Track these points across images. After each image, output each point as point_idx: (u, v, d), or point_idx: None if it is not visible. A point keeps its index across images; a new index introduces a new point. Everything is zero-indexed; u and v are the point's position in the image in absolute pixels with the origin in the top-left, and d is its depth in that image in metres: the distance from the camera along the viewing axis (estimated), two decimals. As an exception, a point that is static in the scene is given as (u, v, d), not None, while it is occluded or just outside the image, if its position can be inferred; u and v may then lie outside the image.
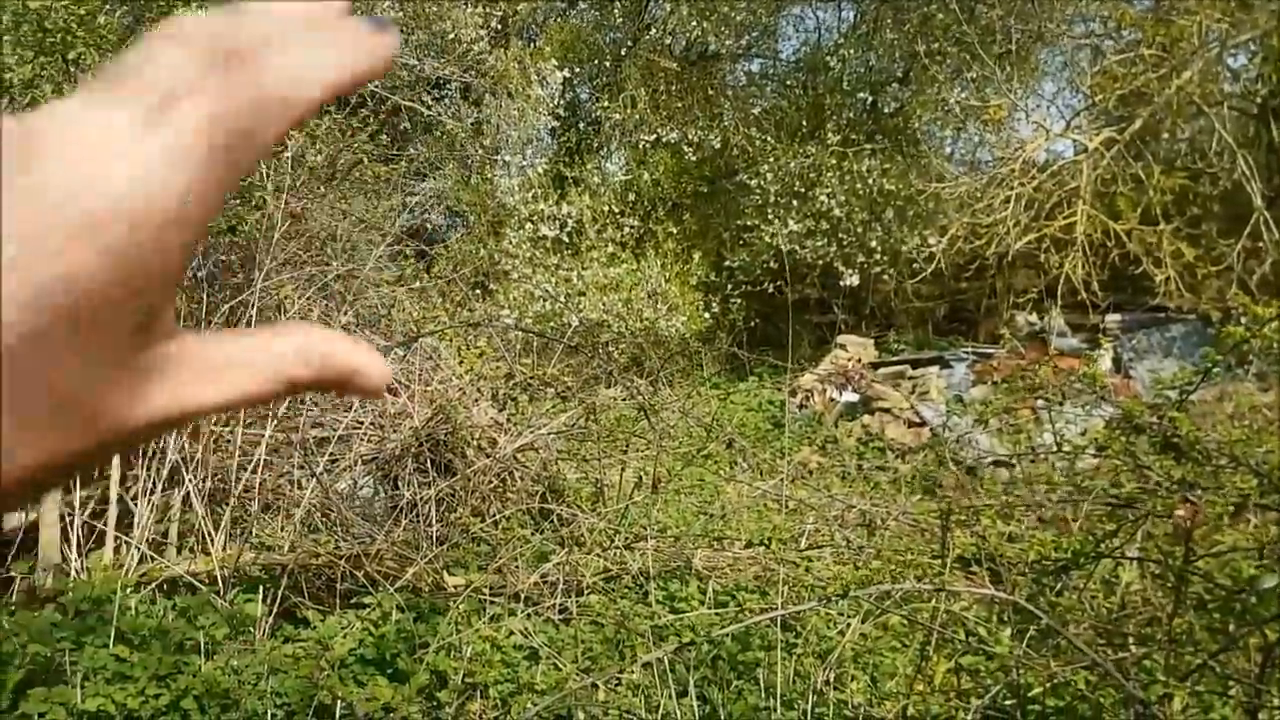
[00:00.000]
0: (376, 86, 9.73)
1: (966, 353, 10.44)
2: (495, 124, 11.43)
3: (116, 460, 4.61)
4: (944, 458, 5.45)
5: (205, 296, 5.04)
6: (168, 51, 0.28)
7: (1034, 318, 11.21)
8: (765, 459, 6.04)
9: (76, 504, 4.47)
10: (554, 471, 4.89)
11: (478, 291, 10.02)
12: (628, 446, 5.03)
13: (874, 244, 11.46)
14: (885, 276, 11.81)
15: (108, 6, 4.20)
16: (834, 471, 6.59)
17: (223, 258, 5.42)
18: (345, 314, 5.50)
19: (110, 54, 4.02)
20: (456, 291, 8.54)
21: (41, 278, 0.25)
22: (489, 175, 11.44)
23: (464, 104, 11.77)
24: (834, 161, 11.30)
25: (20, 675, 3.33)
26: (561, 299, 9.73)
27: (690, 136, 11.69)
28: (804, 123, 12.24)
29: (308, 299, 5.32)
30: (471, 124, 11.44)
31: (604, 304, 9.91)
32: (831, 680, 3.43)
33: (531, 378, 5.24)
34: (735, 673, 3.61)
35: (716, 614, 4.08)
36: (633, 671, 3.15)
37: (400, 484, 5.32)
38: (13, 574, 4.40)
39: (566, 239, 10.62)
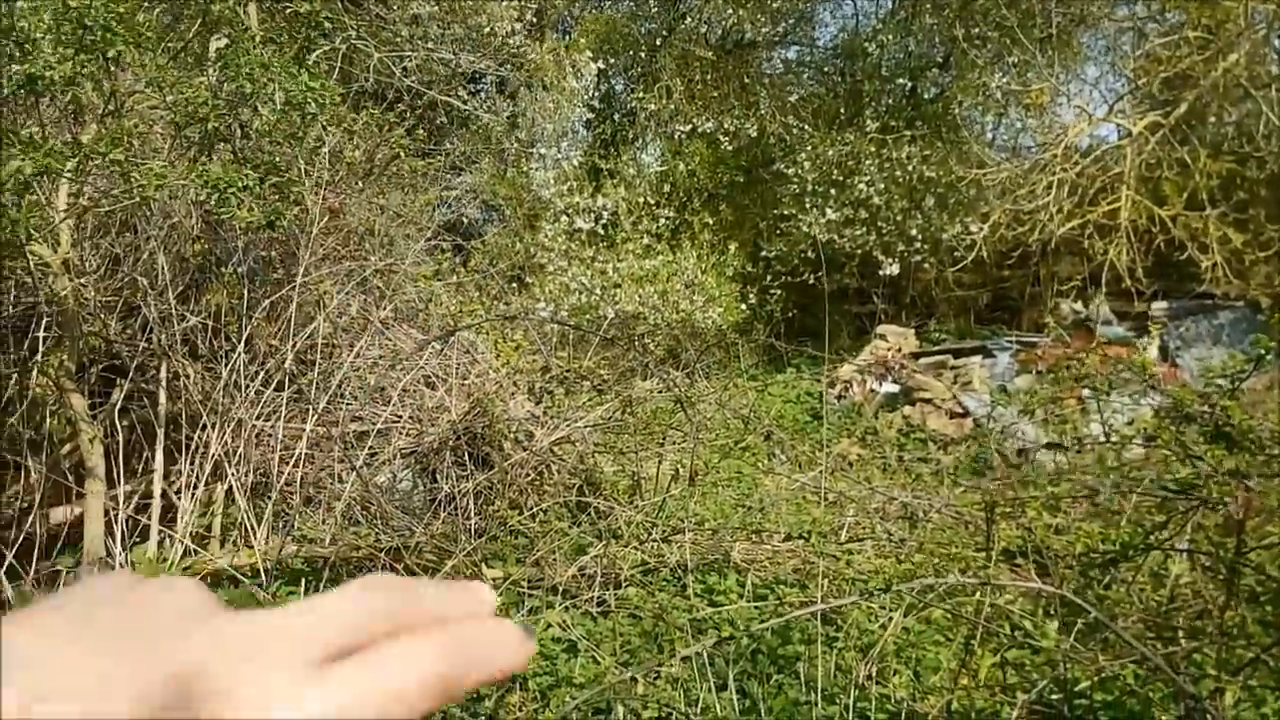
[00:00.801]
0: (413, 81, 9.79)
1: (1010, 342, 10.28)
2: (530, 117, 11.43)
3: (160, 455, 4.67)
4: (989, 449, 5.37)
5: (246, 292, 5.08)
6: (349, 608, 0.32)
7: (1078, 305, 11.03)
8: (804, 451, 5.99)
9: (121, 498, 4.53)
10: (591, 464, 4.88)
11: (514, 285, 10.04)
12: (664, 439, 5.00)
13: (914, 232, 11.32)
14: (926, 265, 11.67)
15: (146, 4, 4.24)
16: (874, 463, 6.52)
17: (263, 254, 5.46)
18: (384, 309, 5.52)
19: (149, 51, 4.06)
20: (493, 285, 8.56)
21: None
22: (524, 169, 11.44)
23: (499, 98, 11.79)
24: (873, 149, 11.18)
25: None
26: (597, 292, 9.72)
27: (726, 126, 11.61)
28: (842, 110, 12.13)
29: (347, 294, 5.35)
30: (507, 118, 11.45)
31: (640, 296, 9.89)
32: (873, 674, 3.39)
33: (568, 371, 5.23)
34: (775, 666, 3.58)
35: (755, 607, 4.05)
36: (672, 665, 3.13)
37: (438, 477, 5.35)
38: (58, 567, 4.47)
39: (602, 231, 10.60)
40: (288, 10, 5.27)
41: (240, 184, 3.71)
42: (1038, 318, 11.85)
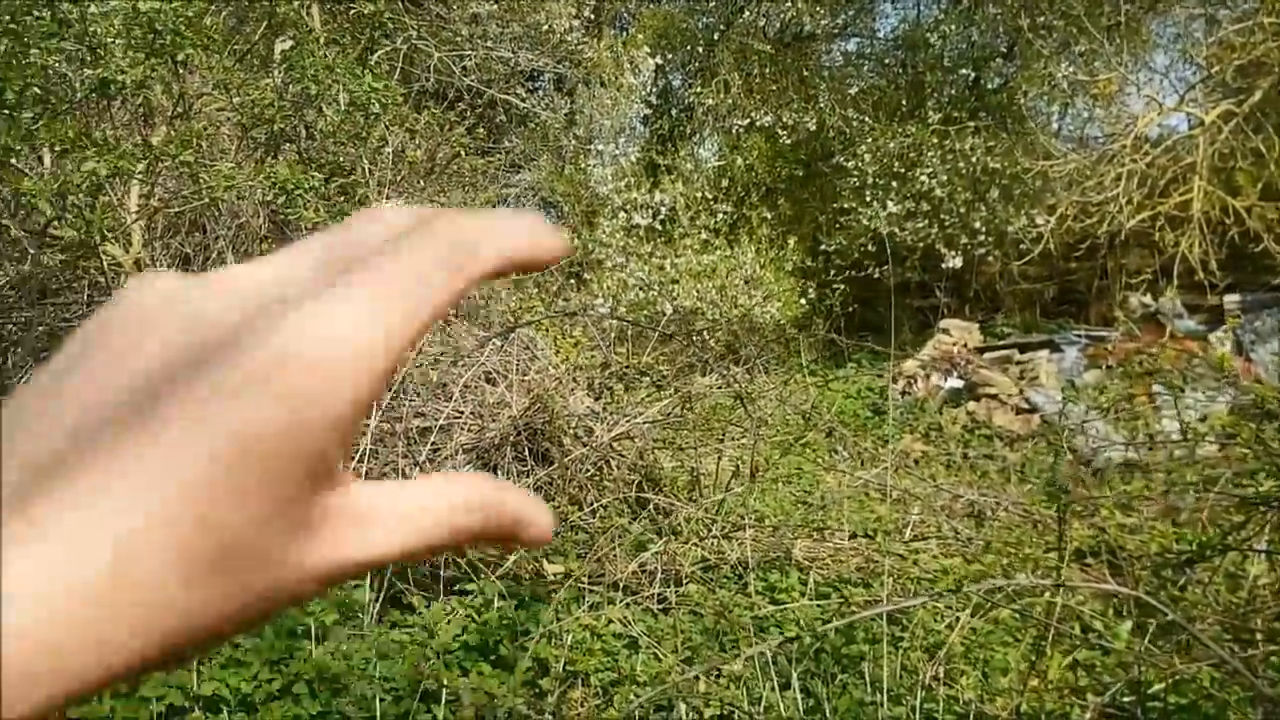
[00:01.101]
0: (473, 80, 9.87)
1: (1078, 336, 10.05)
2: (588, 114, 11.46)
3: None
4: (1059, 446, 5.25)
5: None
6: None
7: (1147, 299, 10.75)
8: (866, 447, 5.91)
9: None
10: (650, 460, 4.87)
11: (572, 281, 10.09)
12: (724, 435, 4.97)
13: (978, 224, 11.12)
14: (990, 258, 11.46)
15: (213, 7, 4.32)
16: (939, 460, 6.41)
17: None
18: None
19: (216, 54, 4.14)
20: (552, 282, 8.61)
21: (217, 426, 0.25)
22: (582, 165, 11.48)
23: (557, 95, 11.83)
24: (935, 140, 11.00)
25: (142, 658, 3.46)
26: (655, 287, 9.71)
27: (785, 119, 11.51)
28: (903, 102, 11.95)
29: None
30: (565, 115, 11.50)
31: (698, 291, 9.86)
32: (941, 675, 3.33)
33: (627, 366, 5.22)
34: (839, 666, 3.54)
35: (818, 605, 4.01)
36: (736, 663, 3.10)
37: (499, 472, 5.38)
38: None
39: (660, 227, 10.59)
40: (350, 11, 5.34)
41: (306, 185, 3.76)
42: (1105, 311, 11.58)
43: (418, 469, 4.95)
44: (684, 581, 4.30)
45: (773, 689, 3.22)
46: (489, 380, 5.61)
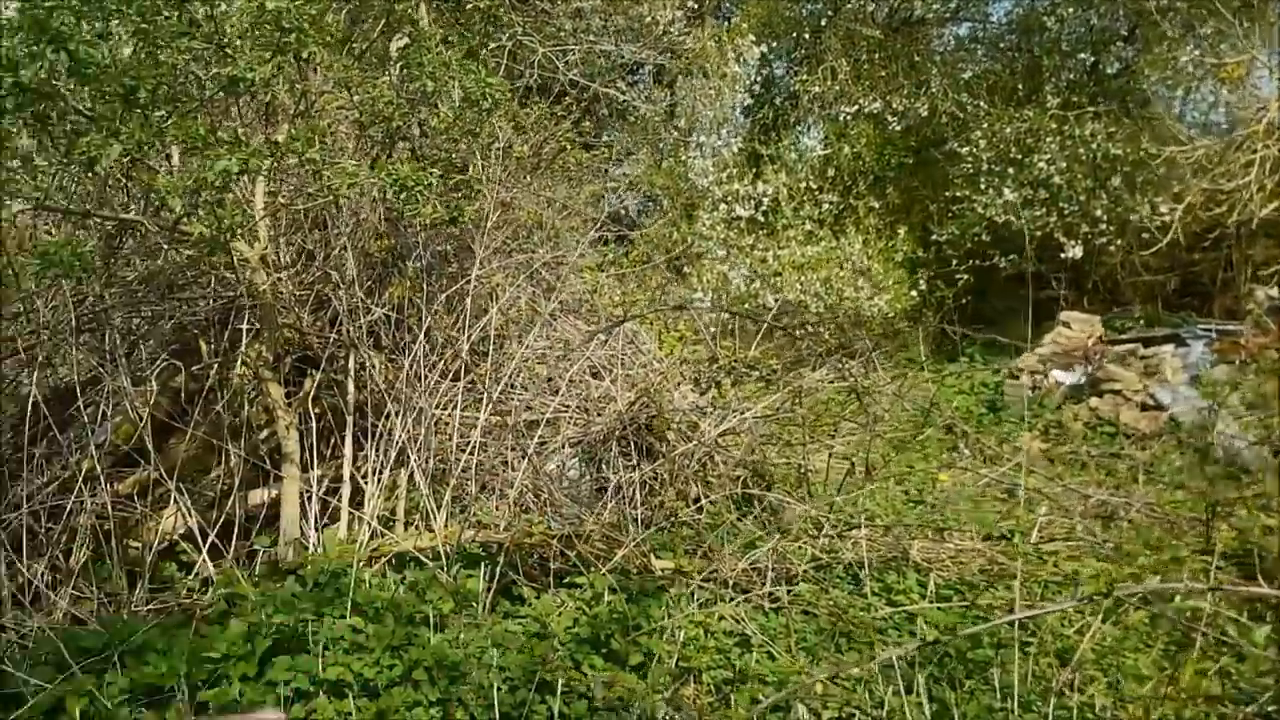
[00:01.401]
0: (576, 74, 9.89)
1: (1204, 329, 9.56)
2: (689, 105, 11.40)
3: (350, 441, 4.87)
4: (1198, 444, 4.98)
5: (425, 286, 5.23)
6: None
7: (1274, 291, 10.18)
8: (989, 445, 5.71)
9: (313, 482, 4.75)
10: (759, 456, 4.80)
11: (672, 275, 10.04)
12: (835, 430, 4.87)
13: (1099, 212, 10.68)
14: (1111, 248, 10.99)
15: (334, 5, 4.41)
16: (1062, 458, 6.16)
17: (439, 249, 5.62)
18: (552, 301, 5.60)
19: (336, 52, 4.21)
20: (654, 276, 8.56)
21: None
22: (682, 158, 11.41)
23: (657, 87, 11.80)
24: (1054, 126, 10.60)
25: (268, 644, 3.56)
26: (757, 280, 9.61)
27: (895, 106, 11.25)
28: (1019, 86, 11.55)
29: (517, 286, 5.45)
30: (664, 107, 11.45)
31: (801, 284, 9.71)
32: (1073, 682, 3.19)
33: (735, 360, 5.17)
34: (964, 670, 3.42)
35: (938, 608, 3.89)
36: (871, 665, 3.02)
37: (604, 467, 5.39)
38: (255, 547, 4.73)
39: (762, 218, 10.46)
40: (467, 4, 5.39)
41: (425, 182, 3.81)
42: (1230, 305, 11.01)
43: (525, 460, 4.98)
44: (796, 580, 4.23)
45: (895, 693, 3.13)
46: (594, 374, 5.62)
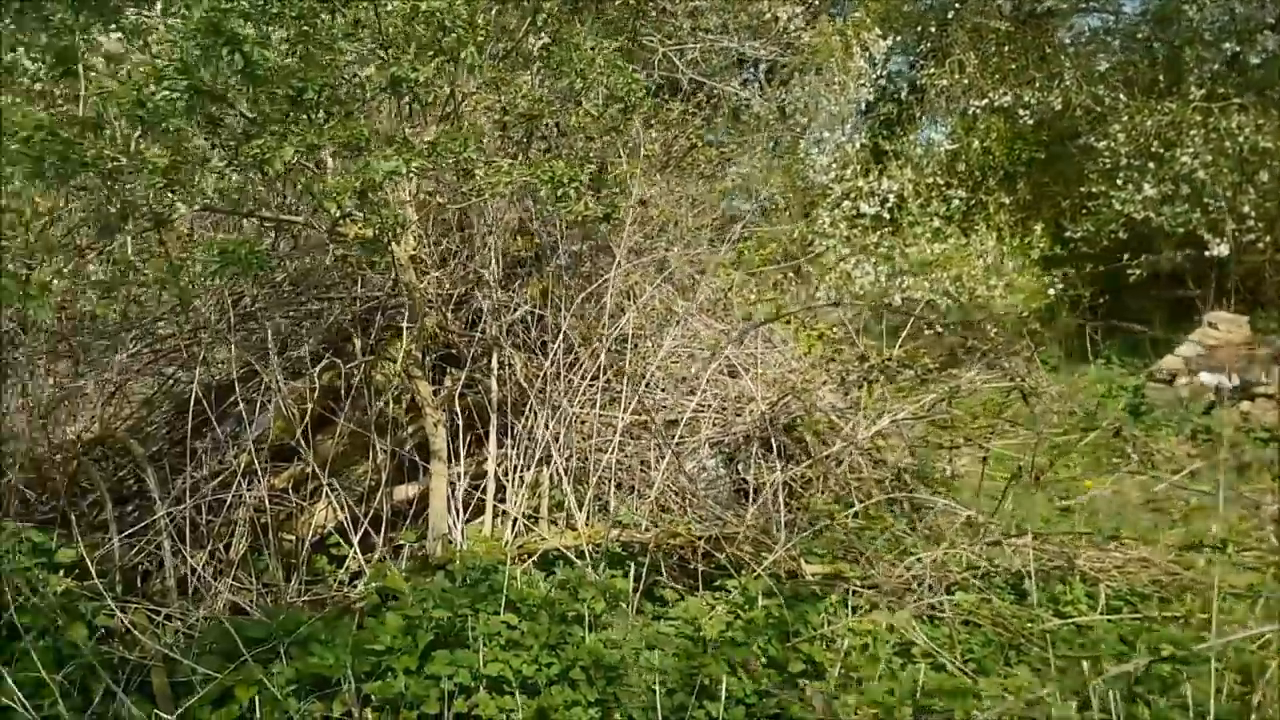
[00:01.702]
0: (695, 73, 9.84)
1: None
2: (805, 102, 11.22)
3: (494, 438, 4.91)
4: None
5: (563, 285, 5.24)
6: None
7: None
8: (1153, 450, 5.44)
9: (460, 478, 4.80)
10: (911, 459, 4.66)
11: (792, 275, 9.89)
12: (992, 432, 4.69)
13: (1246, 208, 10.12)
14: (1259, 245, 10.41)
15: (483, 5, 4.43)
16: (1219, 465, 5.82)
17: (574, 248, 5.62)
18: (688, 299, 5.55)
19: (482, 52, 4.23)
20: (773, 275, 8.43)
21: None
22: (799, 155, 11.25)
23: (771, 85, 11.65)
24: (1198, 118, 10.09)
25: (429, 638, 3.59)
26: (883, 279, 9.40)
27: (1025, 99, 10.86)
28: (1160, 78, 11.03)
29: (656, 286, 5.42)
30: (782, 103, 11.31)
31: (929, 282, 9.47)
32: (1267, 698, 2.99)
33: (888, 360, 5.03)
34: (1144, 686, 3.24)
35: (1110, 620, 3.70)
36: (1099, 684, 2.88)
37: (743, 467, 5.31)
38: (401, 542, 4.80)
39: (887, 215, 10.23)
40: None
41: (579, 179, 3.80)
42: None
43: (665, 460, 4.94)
44: (953, 589, 4.08)
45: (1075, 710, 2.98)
46: (731, 373, 5.55)
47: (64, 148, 3.32)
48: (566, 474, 4.77)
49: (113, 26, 3.87)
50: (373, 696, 3.40)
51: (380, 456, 5.14)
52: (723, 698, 3.26)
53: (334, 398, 5.20)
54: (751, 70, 12.10)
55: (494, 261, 5.03)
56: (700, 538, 4.29)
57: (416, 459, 5.10)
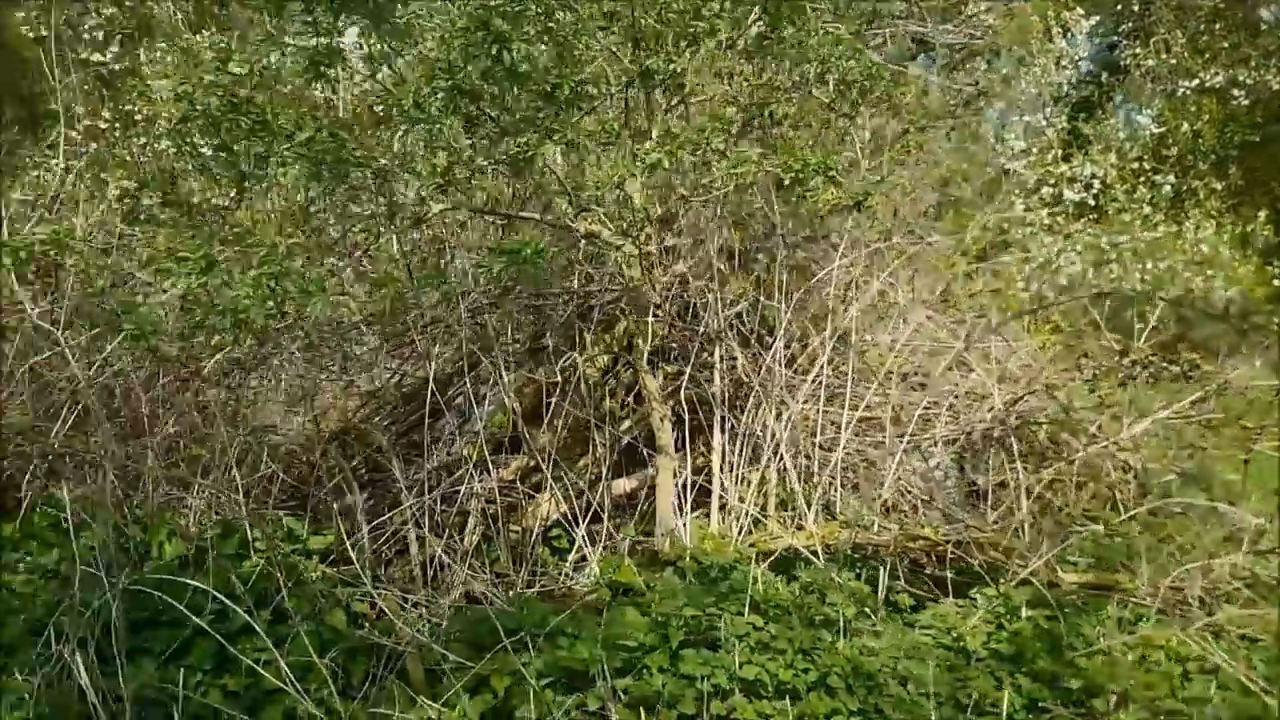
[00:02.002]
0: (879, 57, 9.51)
1: None
2: (997, 86, 10.71)
3: (718, 434, 4.84)
4: None
5: (782, 278, 5.13)
6: None
7: None
8: None
9: (687, 473, 4.75)
10: (1176, 461, 4.33)
11: (981, 266, 9.46)
12: (1260, 433, 4.31)
13: None
14: None
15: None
16: None
17: (792, 239, 5.48)
18: (915, 292, 5.35)
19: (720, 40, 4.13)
20: (958, 264, 8.04)
21: None
22: (988, 140, 10.75)
23: (961, 70, 11.18)
24: None
25: (681, 636, 3.54)
26: (1092, 268, 8.88)
27: (1241, 79, 10.06)
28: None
29: (882, 280, 5.24)
30: (976, 87, 10.84)
31: (1140, 271, 8.88)
32: None
33: (1151, 356, 4.70)
34: None
35: None
36: None
37: (970, 468, 5.08)
38: (624, 536, 4.79)
39: (1092, 201, 9.66)
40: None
41: (834, 167, 3.68)
42: None
43: (896, 460, 4.76)
44: (1230, 600, 3.76)
45: None
46: (960, 369, 5.31)
47: (337, 148, 3.42)
48: (797, 472, 4.65)
49: (366, 24, 3.97)
50: (625, 693, 3.37)
51: (599, 450, 5.16)
52: (1004, 714, 3.08)
53: (550, 392, 5.25)
54: (934, 54, 11.66)
55: (715, 255, 4.96)
56: (948, 542, 4.10)
57: (639, 449, 5.10)
